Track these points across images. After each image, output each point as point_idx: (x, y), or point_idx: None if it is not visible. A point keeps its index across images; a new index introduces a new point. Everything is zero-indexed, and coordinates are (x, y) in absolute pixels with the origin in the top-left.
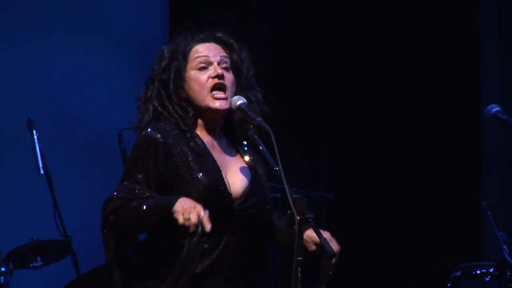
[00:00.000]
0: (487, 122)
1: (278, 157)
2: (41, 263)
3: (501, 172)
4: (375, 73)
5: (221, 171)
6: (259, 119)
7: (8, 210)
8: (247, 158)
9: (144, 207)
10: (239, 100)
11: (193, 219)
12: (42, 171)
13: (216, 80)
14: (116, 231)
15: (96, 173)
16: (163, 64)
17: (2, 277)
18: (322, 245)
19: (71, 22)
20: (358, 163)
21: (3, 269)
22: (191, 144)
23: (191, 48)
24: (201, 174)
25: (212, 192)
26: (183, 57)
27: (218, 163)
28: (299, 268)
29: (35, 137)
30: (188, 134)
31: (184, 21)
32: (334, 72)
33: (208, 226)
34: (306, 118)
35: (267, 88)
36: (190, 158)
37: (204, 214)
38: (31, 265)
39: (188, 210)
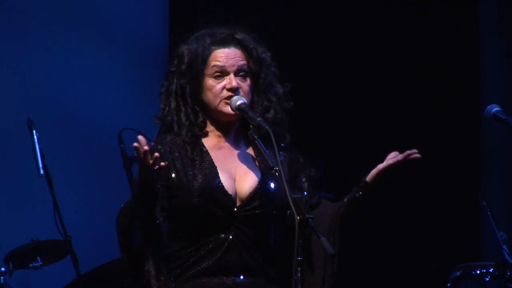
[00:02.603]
0: (487, 122)
1: (278, 157)
2: (41, 263)
3: (501, 172)
4: (375, 73)
5: (217, 173)
6: (259, 119)
7: (8, 210)
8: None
9: (130, 200)
10: (238, 100)
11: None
12: (42, 171)
13: (230, 93)
14: (127, 239)
15: (96, 173)
16: (183, 67)
17: (2, 277)
18: (321, 245)
19: (71, 22)
20: (358, 163)
21: (3, 269)
22: (189, 153)
23: (209, 53)
24: (195, 181)
25: (207, 197)
26: (202, 61)
27: (227, 166)
28: (299, 268)
29: (35, 137)
30: (189, 145)
31: (184, 21)
32: (334, 72)
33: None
34: (306, 118)
35: None
36: (185, 166)
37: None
38: (31, 265)
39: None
